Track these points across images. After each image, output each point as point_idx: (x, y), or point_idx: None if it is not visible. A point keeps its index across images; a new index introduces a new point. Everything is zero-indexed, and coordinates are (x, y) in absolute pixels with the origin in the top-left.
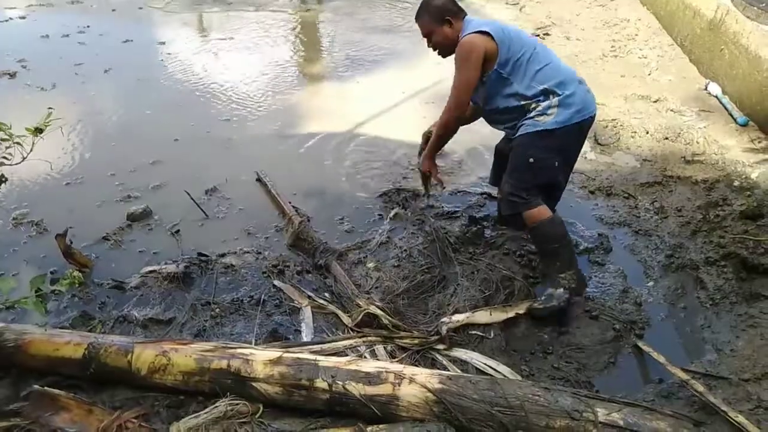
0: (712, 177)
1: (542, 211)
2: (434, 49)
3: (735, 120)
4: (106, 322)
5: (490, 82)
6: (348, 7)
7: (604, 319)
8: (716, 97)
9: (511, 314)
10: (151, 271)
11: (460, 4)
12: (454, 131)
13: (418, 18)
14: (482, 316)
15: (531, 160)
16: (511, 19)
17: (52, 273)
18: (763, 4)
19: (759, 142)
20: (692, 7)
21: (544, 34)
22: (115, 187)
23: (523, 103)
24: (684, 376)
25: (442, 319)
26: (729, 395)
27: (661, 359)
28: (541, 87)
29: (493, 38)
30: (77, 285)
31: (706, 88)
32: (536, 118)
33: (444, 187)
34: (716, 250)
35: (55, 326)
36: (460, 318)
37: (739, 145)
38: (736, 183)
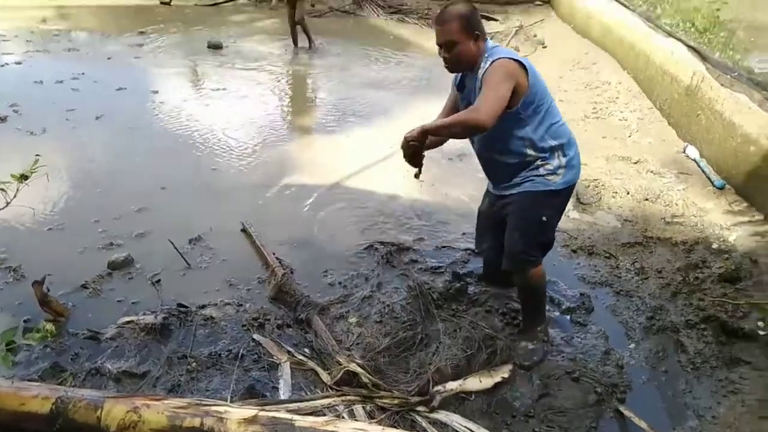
0: (692, 239)
1: (542, 267)
2: (448, 61)
3: (713, 183)
4: (77, 375)
5: (508, 116)
6: (339, 62)
7: (585, 382)
8: (694, 160)
9: (497, 378)
10: (128, 322)
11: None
12: (461, 138)
13: (444, 23)
14: (473, 383)
15: (543, 219)
16: None
17: (25, 322)
18: (735, 74)
19: (736, 205)
20: (670, 73)
21: None
22: (97, 234)
23: (530, 152)
24: None
25: (436, 388)
26: None
27: (643, 425)
28: (552, 143)
29: (527, 75)
30: (50, 338)
31: (684, 151)
32: (547, 177)
33: (418, 177)
34: (696, 312)
35: (24, 378)
36: (453, 386)
37: (717, 208)
38: (715, 246)
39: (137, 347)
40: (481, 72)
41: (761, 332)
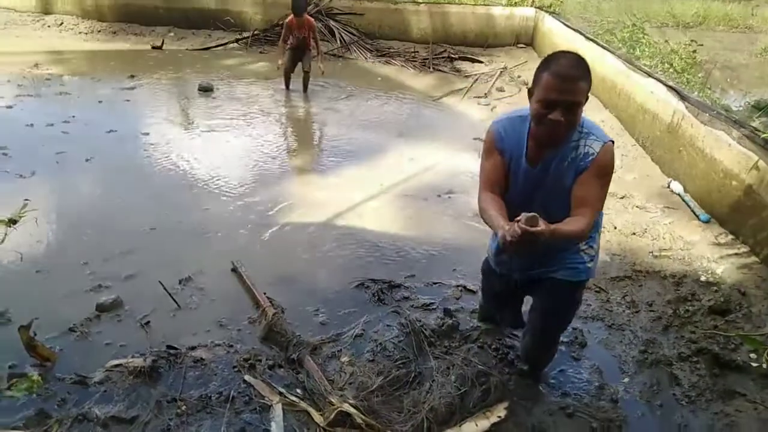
0: (680, 272)
1: None
2: (564, 127)
3: (698, 217)
4: (64, 422)
5: None
6: (329, 104)
7: (580, 417)
8: (678, 194)
9: (494, 419)
10: (116, 365)
11: (436, 104)
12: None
13: (578, 79)
14: (469, 428)
15: (579, 304)
16: (483, 118)
17: (11, 367)
18: (714, 111)
19: (722, 238)
20: (651, 112)
21: None
22: (86, 276)
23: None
24: None
25: None
26: None
27: None
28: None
29: None
30: (35, 390)
31: (668, 186)
32: (588, 264)
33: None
34: (688, 345)
35: (7, 427)
36: None
37: (704, 241)
38: (703, 278)
39: (126, 391)
40: (583, 153)
41: (753, 364)
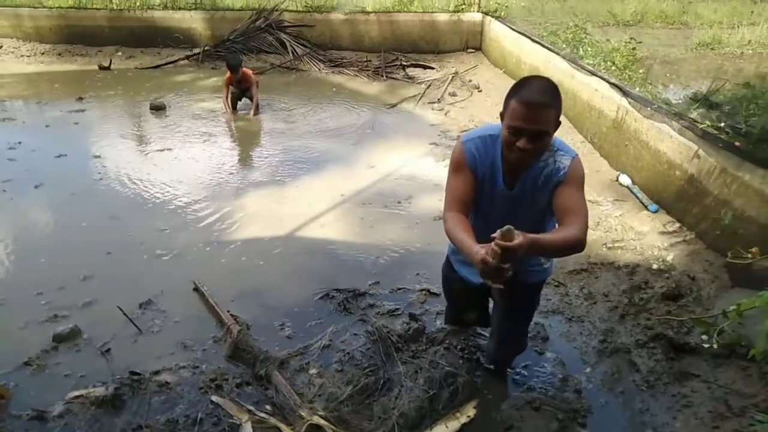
0: (633, 262)
1: None
2: (531, 154)
3: (647, 207)
4: None
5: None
6: (284, 115)
7: (547, 410)
8: (627, 187)
9: (463, 419)
10: (77, 396)
11: (391, 111)
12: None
13: (545, 107)
14: (440, 431)
15: (538, 302)
16: (439, 122)
17: None
18: (655, 105)
19: (670, 226)
20: (597, 109)
21: None
22: (41, 307)
23: None
24: None
25: None
26: None
27: None
28: None
29: None
30: None
31: (617, 180)
32: (545, 265)
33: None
34: (644, 332)
35: None
36: None
37: (653, 230)
38: (655, 266)
39: (88, 422)
40: (554, 169)
41: (705, 345)
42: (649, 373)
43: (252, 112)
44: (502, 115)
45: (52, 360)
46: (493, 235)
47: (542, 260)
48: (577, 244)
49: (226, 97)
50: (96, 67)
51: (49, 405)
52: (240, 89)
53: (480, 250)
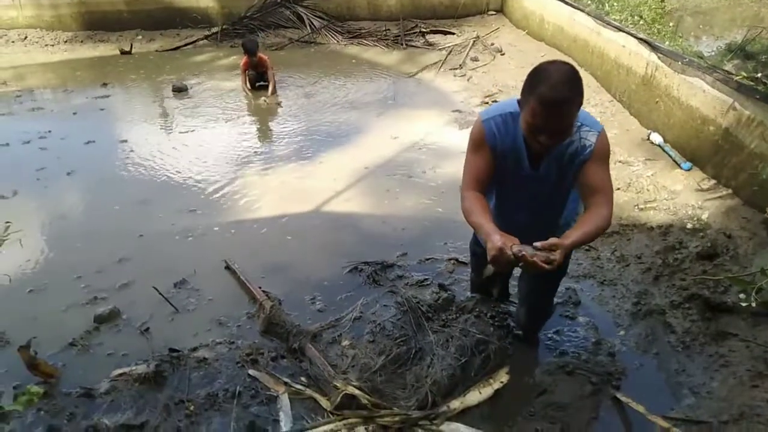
0: (666, 222)
1: None
2: (555, 143)
3: (679, 165)
4: None
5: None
6: (305, 90)
7: (580, 374)
8: (659, 145)
9: (497, 385)
10: (121, 374)
11: (412, 79)
12: None
13: (569, 102)
14: (474, 397)
15: (566, 268)
16: (461, 89)
17: (15, 388)
18: (686, 59)
19: (704, 183)
20: (625, 66)
21: (492, 101)
22: (80, 290)
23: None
24: (665, 424)
25: (441, 409)
26: None
27: (641, 409)
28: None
29: None
30: (36, 401)
31: (648, 138)
32: None
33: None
34: (679, 293)
35: None
36: (455, 405)
37: (687, 189)
38: (689, 225)
39: (133, 398)
40: (580, 147)
41: (743, 304)
42: (684, 334)
43: (270, 92)
44: (520, 102)
45: (94, 340)
46: (536, 244)
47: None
48: (608, 227)
49: (245, 82)
50: (117, 52)
51: (95, 383)
52: (257, 72)
53: (499, 239)
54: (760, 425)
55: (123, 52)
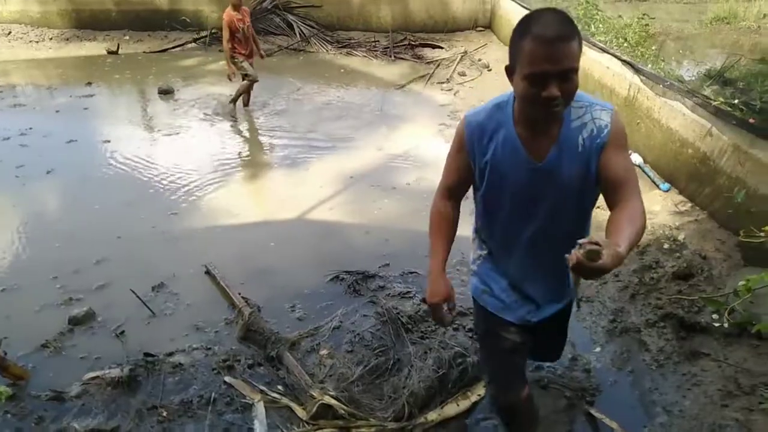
0: (644, 241)
1: None
2: (564, 97)
3: (658, 186)
4: None
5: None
6: (294, 97)
7: (555, 388)
8: (639, 166)
9: (474, 398)
10: (93, 378)
11: (400, 91)
12: None
13: (570, 38)
14: (451, 409)
15: None
16: (447, 103)
17: None
18: (668, 82)
19: (682, 205)
20: (608, 87)
21: None
22: (56, 290)
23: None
24: None
25: (419, 420)
26: None
27: (614, 425)
28: None
29: None
30: (2, 401)
31: None
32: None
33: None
34: (654, 311)
35: None
36: (433, 417)
37: (665, 209)
38: (666, 246)
39: (105, 403)
40: (596, 129)
41: (716, 324)
42: (658, 353)
43: (260, 54)
44: (509, 69)
45: (68, 342)
46: (581, 241)
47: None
48: (645, 230)
49: (228, 41)
50: (104, 52)
51: (66, 386)
52: (245, 33)
53: (444, 286)
54: None
55: (110, 52)
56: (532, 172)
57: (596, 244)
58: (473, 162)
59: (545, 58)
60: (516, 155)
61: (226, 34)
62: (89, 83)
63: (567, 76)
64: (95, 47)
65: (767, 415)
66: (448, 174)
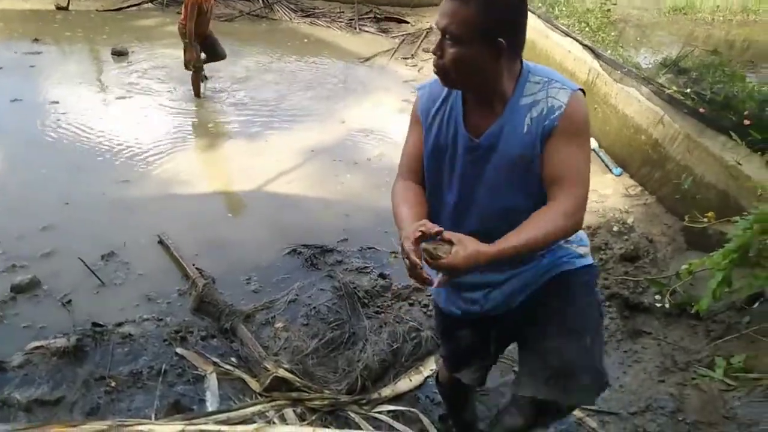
0: (595, 224)
1: None
2: (440, 67)
3: (611, 170)
4: None
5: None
6: (253, 66)
7: (504, 362)
8: (594, 150)
9: (426, 373)
10: (37, 347)
11: (364, 65)
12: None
13: (465, 2)
14: (404, 384)
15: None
16: (411, 78)
17: None
18: (625, 69)
19: (632, 189)
20: (569, 71)
21: None
22: None
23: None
24: (579, 414)
25: (372, 396)
26: (619, 429)
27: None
28: None
29: None
30: None
31: None
32: (579, 248)
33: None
34: (602, 291)
35: None
36: (386, 392)
37: (616, 193)
38: (615, 228)
39: (49, 373)
40: (546, 108)
41: (658, 305)
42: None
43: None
44: None
45: (10, 311)
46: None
47: (575, 252)
48: (571, 230)
49: (190, 20)
50: (53, 7)
51: (7, 356)
52: (207, 14)
53: (409, 230)
54: (662, 416)
55: (59, 8)
56: (468, 149)
57: (445, 242)
58: (426, 129)
59: (440, 11)
60: (456, 129)
61: (193, 15)
62: (36, 39)
63: (446, 38)
64: (43, 1)
65: (699, 390)
66: (406, 151)
